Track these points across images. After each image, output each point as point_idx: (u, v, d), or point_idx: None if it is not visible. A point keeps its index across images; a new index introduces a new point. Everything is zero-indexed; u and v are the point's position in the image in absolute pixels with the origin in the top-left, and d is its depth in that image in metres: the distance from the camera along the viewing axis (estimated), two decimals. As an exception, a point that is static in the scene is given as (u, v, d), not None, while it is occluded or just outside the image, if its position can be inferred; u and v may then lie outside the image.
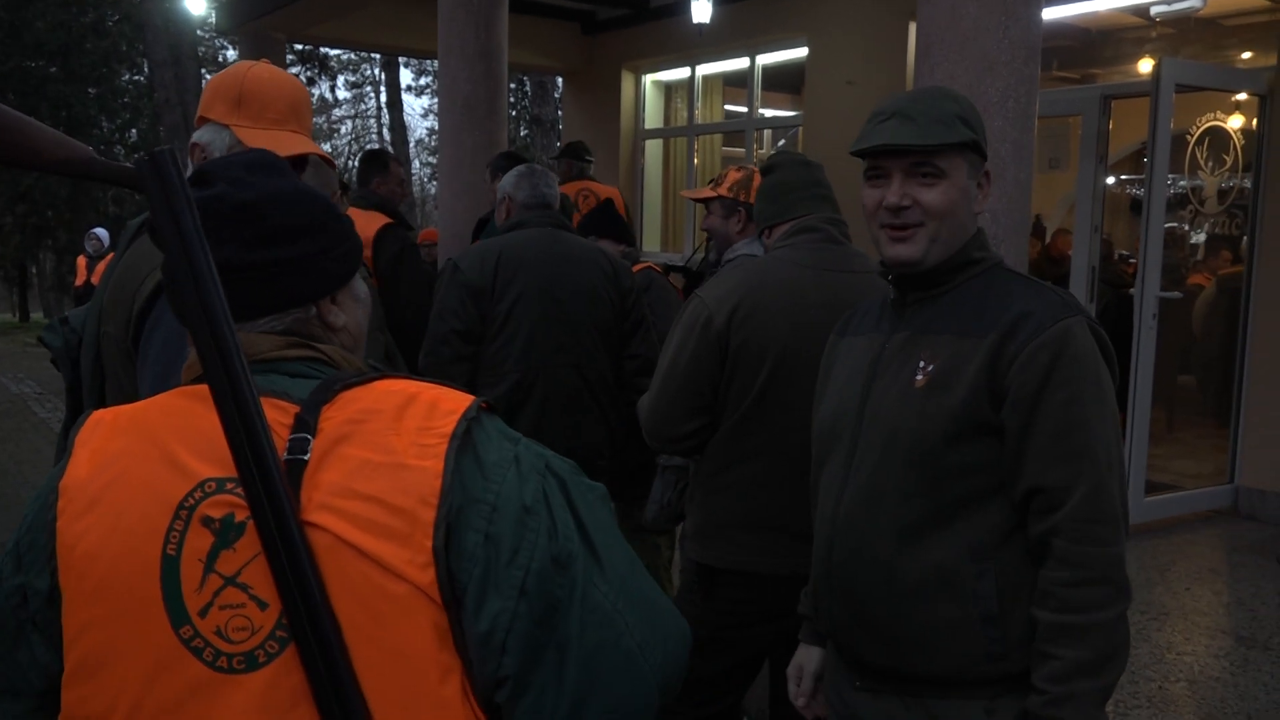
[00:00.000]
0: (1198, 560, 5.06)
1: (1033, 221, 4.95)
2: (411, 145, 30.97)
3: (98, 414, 1.02)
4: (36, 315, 25.29)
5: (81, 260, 12.11)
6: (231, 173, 1.04)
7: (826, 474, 1.71)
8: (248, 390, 0.89)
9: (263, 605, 0.90)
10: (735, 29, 8.50)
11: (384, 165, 4.54)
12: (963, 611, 1.53)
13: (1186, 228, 6.48)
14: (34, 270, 25.69)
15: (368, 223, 4.08)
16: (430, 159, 33.75)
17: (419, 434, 0.94)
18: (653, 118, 10.19)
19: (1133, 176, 11.02)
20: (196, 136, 1.79)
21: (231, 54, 25.74)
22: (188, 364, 1.04)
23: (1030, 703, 1.47)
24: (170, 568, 0.91)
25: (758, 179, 2.90)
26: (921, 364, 1.59)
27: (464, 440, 0.95)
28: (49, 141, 1.98)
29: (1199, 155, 5.93)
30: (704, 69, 9.56)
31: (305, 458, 0.92)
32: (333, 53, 27.92)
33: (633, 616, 0.97)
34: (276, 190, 1.04)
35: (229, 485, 0.92)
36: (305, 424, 0.94)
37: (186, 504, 0.92)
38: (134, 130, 23.44)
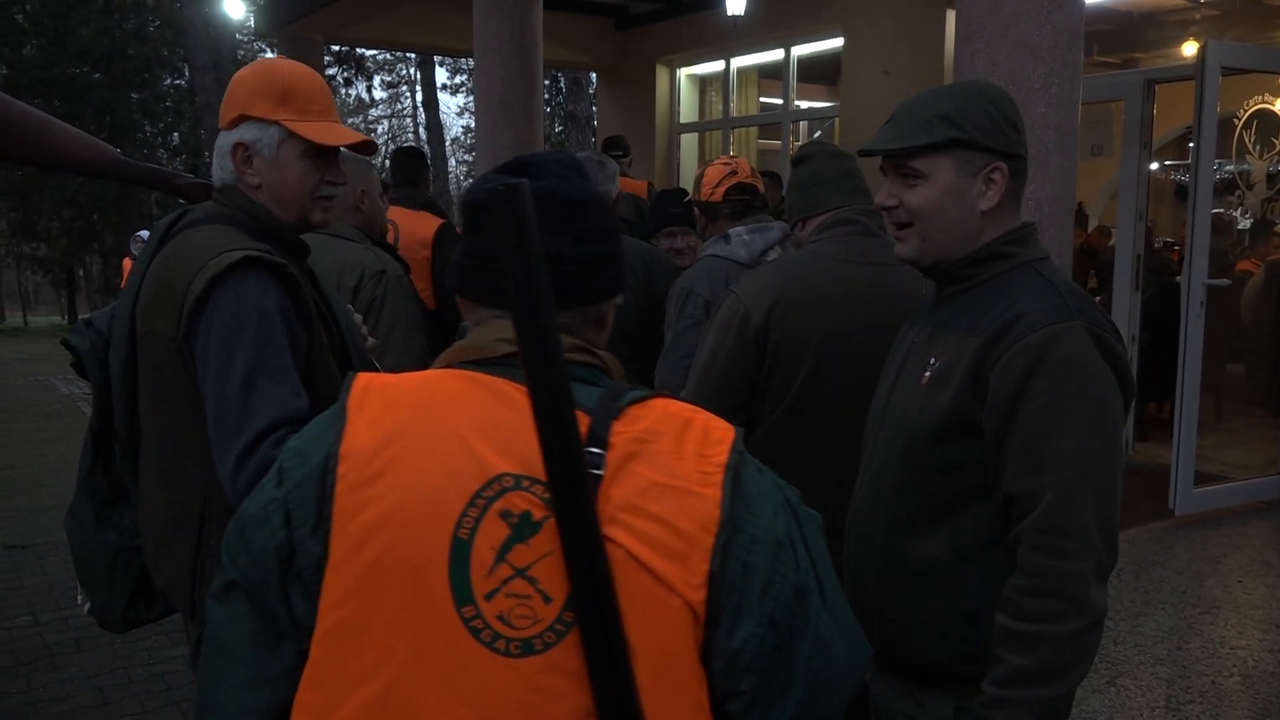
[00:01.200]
0: (1250, 552, 4.97)
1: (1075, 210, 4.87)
2: (448, 144, 31.17)
3: (363, 379, 1.06)
4: (84, 317, 25.74)
5: (127, 262, 12.31)
6: (555, 169, 1.09)
7: (862, 462, 1.76)
8: (567, 405, 0.93)
9: (547, 599, 0.96)
10: (770, 21, 8.45)
11: (428, 165, 4.50)
12: (945, 608, 1.55)
13: (1234, 213, 6.35)
14: (81, 273, 26.16)
15: (421, 223, 4.07)
16: (466, 157, 33.93)
17: (698, 460, 1.00)
18: (688, 111, 10.17)
19: (1177, 162, 10.82)
20: (239, 135, 1.78)
21: (270, 57, 26.00)
22: (458, 346, 1.08)
23: (975, 701, 1.47)
24: (460, 550, 0.96)
25: (708, 173, 2.98)
26: (932, 360, 1.59)
27: (735, 473, 1.00)
28: (74, 143, 2.01)
29: (1246, 139, 5.80)
30: (738, 61, 9.52)
31: (600, 472, 0.97)
32: (369, 53, 28.13)
33: (841, 644, 1.05)
34: (595, 194, 1.10)
35: (525, 483, 0.97)
36: (598, 438, 0.98)
37: (485, 494, 0.97)
38: (176, 134, 23.81)
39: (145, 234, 12.41)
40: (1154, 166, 7.58)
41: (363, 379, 1.05)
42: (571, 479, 0.92)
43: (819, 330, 2.18)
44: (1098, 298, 7.14)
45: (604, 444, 0.97)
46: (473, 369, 1.05)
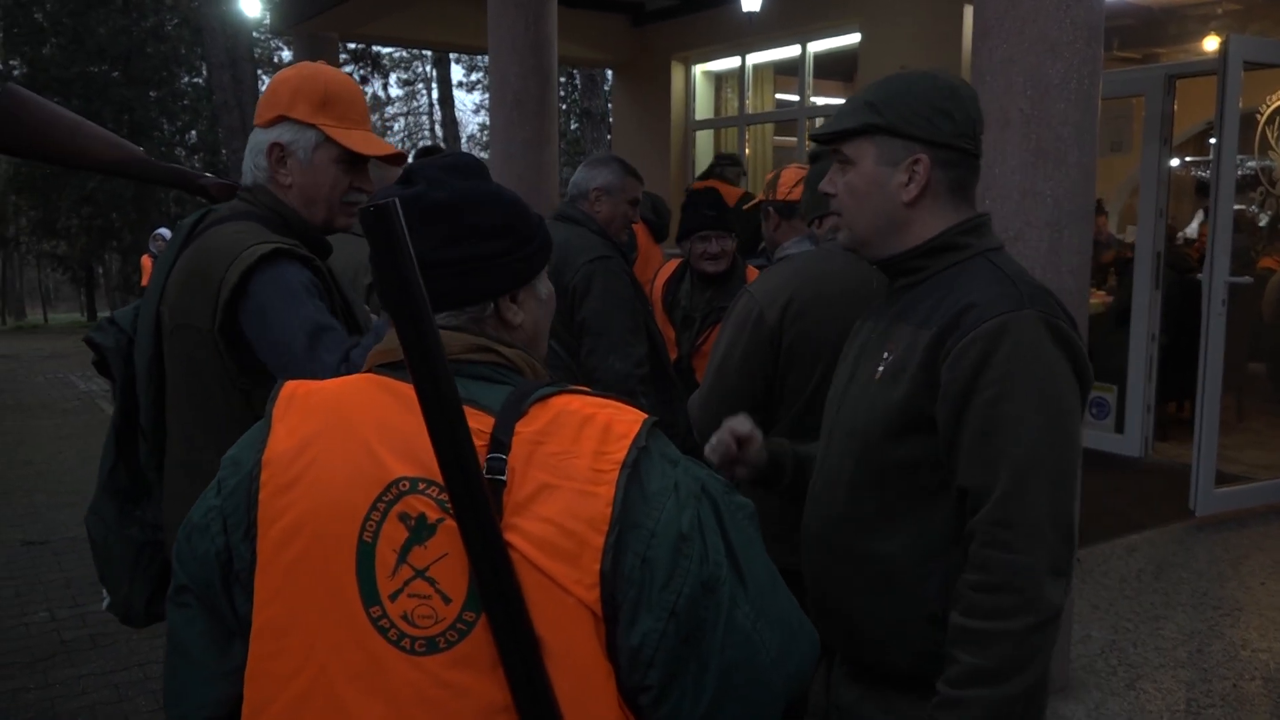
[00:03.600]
0: (1272, 553, 4.90)
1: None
2: (464, 141, 31.20)
3: (289, 386, 1.10)
4: (103, 314, 25.94)
5: (147, 260, 12.41)
6: (430, 173, 1.11)
7: (816, 462, 1.72)
8: (456, 408, 0.94)
9: (446, 599, 0.99)
10: (786, 17, 8.41)
11: None
12: (908, 609, 1.51)
13: (1256, 210, 6.27)
14: (100, 271, 26.35)
15: None
16: (482, 154, 33.96)
17: (594, 458, 1.00)
18: (703, 108, 10.13)
19: (1197, 159, 10.71)
20: (277, 135, 1.81)
21: (286, 55, 26.12)
22: (376, 349, 1.12)
23: (931, 702, 1.43)
24: (366, 553, 1.00)
25: (785, 174, 2.85)
26: (885, 355, 1.55)
27: (633, 469, 1.00)
28: (102, 144, 2.03)
29: (1269, 134, 5.73)
30: (754, 58, 9.48)
31: (503, 478, 0.98)
32: (385, 51, 28.19)
33: (769, 633, 1.04)
34: (470, 191, 1.11)
35: (421, 486, 1.00)
36: (501, 443, 1.00)
37: (385, 498, 1.01)
38: (193, 132, 23.94)
39: (165, 232, 12.56)
40: (1174, 163, 7.50)
41: (289, 387, 1.10)
42: (467, 485, 0.94)
43: (834, 328, 2.14)
44: (1113, 296, 7.07)
45: (505, 447, 0.99)
46: (384, 372, 1.09)
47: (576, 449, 1.00)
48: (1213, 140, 5.35)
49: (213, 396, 1.75)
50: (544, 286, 1.19)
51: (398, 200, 1.05)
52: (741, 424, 1.73)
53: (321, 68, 1.88)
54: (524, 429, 1.01)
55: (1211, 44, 7.95)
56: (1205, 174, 10.55)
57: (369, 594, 0.99)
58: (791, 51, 8.99)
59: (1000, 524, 1.39)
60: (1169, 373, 6.58)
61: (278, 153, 1.81)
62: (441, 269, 1.08)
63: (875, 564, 1.54)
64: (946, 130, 1.53)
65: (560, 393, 1.06)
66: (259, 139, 1.83)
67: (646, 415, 1.05)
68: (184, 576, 1.08)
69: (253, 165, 1.85)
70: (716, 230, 3.65)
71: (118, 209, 22.10)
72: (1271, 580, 4.53)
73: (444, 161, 1.13)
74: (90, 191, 21.23)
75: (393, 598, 0.99)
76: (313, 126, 1.80)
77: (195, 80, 23.83)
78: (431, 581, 0.99)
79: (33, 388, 11.37)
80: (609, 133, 17.93)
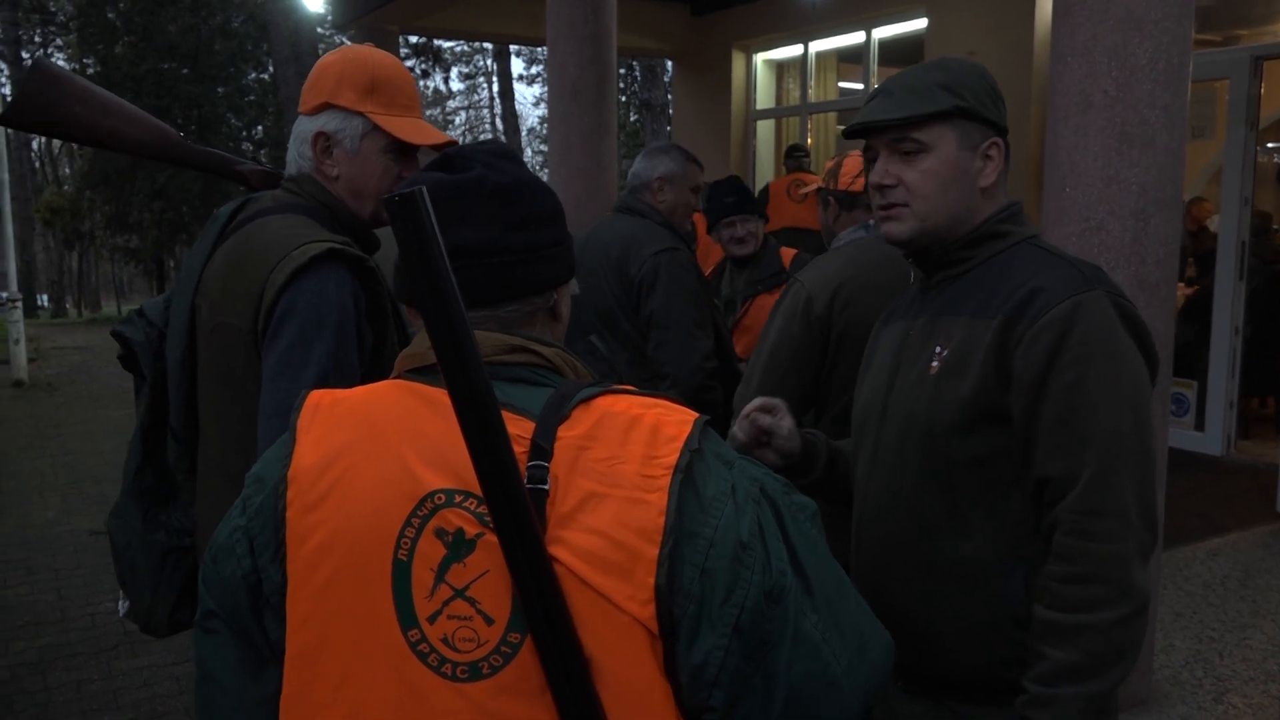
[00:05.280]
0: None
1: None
2: (524, 134, 31.37)
3: (314, 396, 1.04)
4: (134, 307, 26.52)
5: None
6: (483, 157, 1.05)
7: (859, 467, 1.64)
8: (494, 413, 0.87)
9: (489, 620, 0.92)
10: (850, 3, 8.24)
11: None
12: (992, 613, 1.44)
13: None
14: (171, 264, 26.96)
15: None
16: (542, 147, 34.10)
17: (644, 464, 0.93)
18: (764, 98, 9.98)
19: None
20: (322, 124, 1.71)
21: (356, 45, 26.43)
22: (404, 354, 1.05)
23: (1017, 701, 1.37)
24: (402, 572, 0.93)
25: (847, 163, 2.73)
26: (938, 349, 1.50)
27: (686, 473, 0.93)
28: (135, 125, 1.97)
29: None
30: (817, 45, 9.30)
31: (545, 488, 0.92)
32: (446, 45, 28.41)
33: (838, 642, 0.97)
34: (528, 178, 1.06)
35: (458, 499, 0.93)
36: (542, 450, 0.93)
37: (419, 513, 0.94)
38: (260, 127, 24.35)
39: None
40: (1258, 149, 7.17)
41: (314, 397, 1.04)
42: (508, 497, 0.87)
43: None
44: (1195, 287, 6.80)
45: (547, 454, 0.92)
46: (413, 378, 1.03)
47: (624, 453, 0.93)
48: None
49: (252, 399, 1.65)
50: (573, 281, 1.15)
51: (445, 184, 1.01)
52: (770, 400, 1.65)
53: (368, 50, 1.78)
54: (566, 433, 0.94)
55: (1299, 24, 7.59)
56: (1290, 160, 10.13)
57: (406, 616, 0.93)
58: (856, 38, 8.80)
59: (1088, 512, 1.35)
60: (1252, 367, 6.32)
61: (323, 142, 1.72)
62: (509, 255, 1.02)
63: (952, 567, 1.47)
64: (1002, 113, 1.53)
65: (604, 393, 0.99)
66: (303, 127, 1.74)
67: (697, 415, 0.98)
68: (211, 602, 1.02)
69: (297, 155, 1.75)
70: (740, 214, 3.71)
71: (187, 203, 22.57)
72: (1368, 588, 4.29)
73: (490, 147, 1.08)
74: (162, 186, 21.72)
75: (431, 620, 0.93)
76: (359, 114, 1.70)
77: (261, 76, 24.24)
78: (472, 601, 0.92)
79: (104, 378, 11.62)
80: (669, 124, 17.85)
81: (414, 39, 20.78)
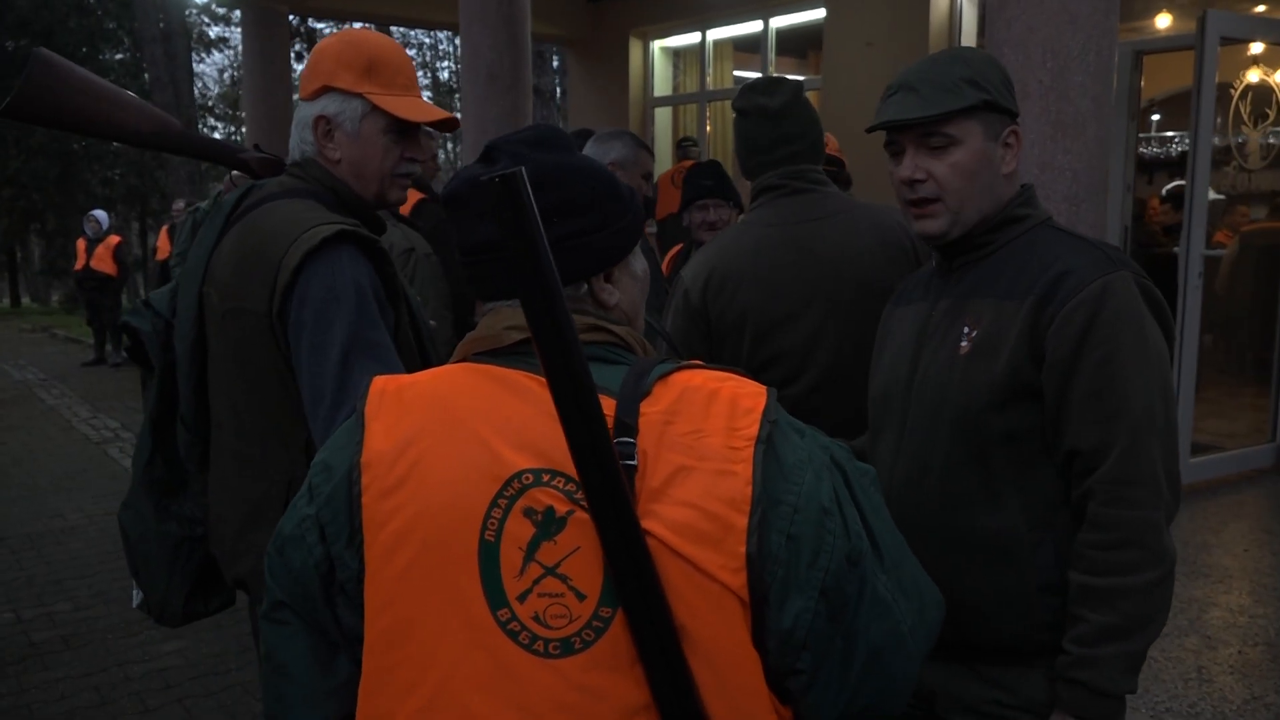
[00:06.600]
0: (1249, 520, 5.01)
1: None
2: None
3: (379, 382, 1.03)
4: (26, 300, 25.00)
5: (81, 243, 11.91)
6: (511, 149, 1.04)
7: (881, 445, 1.69)
8: (590, 391, 0.88)
9: (580, 596, 0.93)
10: (749, -8, 8.33)
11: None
12: (1021, 581, 1.52)
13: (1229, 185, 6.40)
14: (20, 255, 25.36)
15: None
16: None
17: (727, 435, 0.95)
18: (662, 85, 10.03)
19: (1149, 135, 10.92)
20: (322, 108, 1.73)
21: (215, 31, 25.36)
22: (470, 337, 1.05)
23: (1058, 662, 1.46)
24: (489, 553, 0.94)
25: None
26: (966, 330, 1.56)
27: (768, 444, 0.96)
28: (133, 115, 1.92)
29: (1242, 110, 5.83)
30: (715, 34, 9.39)
31: (634, 463, 0.93)
32: (340, 27, 27.51)
33: (905, 602, 1.01)
34: (555, 165, 1.04)
35: (546, 478, 0.94)
36: (627, 426, 0.94)
37: (506, 493, 0.94)
38: (122, 110, 23.08)
39: (99, 213, 12.07)
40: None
41: (379, 383, 1.04)
42: (603, 474, 0.88)
43: (754, 299, 2.13)
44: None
45: (633, 430, 0.94)
46: (484, 360, 1.03)
47: (708, 426, 0.95)
48: (1193, 114, 5.40)
49: (268, 384, 1.64)
50: (639, 263, 1.13)
51: (469, 182, 1.02)
52: None
53: (365, 33, 1.79)
54: (649, 409, 0.96)
55: (1164, 22, 8.07)
56: (1154, 151, 10.77)
57: (495, 596, 0.93)
58: (753, 27, 8.92)
59: (1121, 481, 1.42)
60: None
61: (324, 126, 1.73)
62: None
63: (985, 539, 1.54)
64: (1015, 100, 1.59)
65: (680, 368, 1.01)
66: (304, 113, 1.75)
67: (766, 387, 1.01)
68: (280, 592, 1.02)
69: (299, 140, 1.76)
70: (714, 199, 3.67)
71: (40, 191, 21.25)
72: (1255, 548, 4.62)
73: (526, 135, 1.07)
74: (13, 172, 20.40)
75: (521, 598, 0.93)
76: (359, 95, 1.72)
77: (120, 56, 22.98)
78: (564, 578, 0.93)
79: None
80: (558, 111, 17.73)
81: (294, 19, 20.05)
